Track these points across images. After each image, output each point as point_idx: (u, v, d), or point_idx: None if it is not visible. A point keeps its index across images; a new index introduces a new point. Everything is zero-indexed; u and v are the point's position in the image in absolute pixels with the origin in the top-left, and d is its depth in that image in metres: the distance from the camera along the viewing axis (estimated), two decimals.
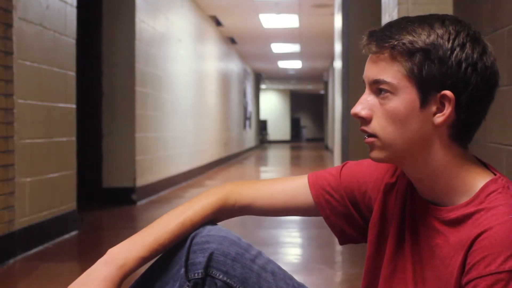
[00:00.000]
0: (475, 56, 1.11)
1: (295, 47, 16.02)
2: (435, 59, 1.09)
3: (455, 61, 1.09)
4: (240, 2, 10.59)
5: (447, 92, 1.10)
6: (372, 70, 1.15)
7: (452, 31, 1.11)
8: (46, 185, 4.33)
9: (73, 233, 4.73)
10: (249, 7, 10.80)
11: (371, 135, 1.16)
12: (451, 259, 1.11)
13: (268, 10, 11.10)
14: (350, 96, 6.07)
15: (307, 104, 36.80)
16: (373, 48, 1.13)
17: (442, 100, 1.11)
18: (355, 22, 5.99)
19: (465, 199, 1.13)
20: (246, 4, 10.61)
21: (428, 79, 1.10)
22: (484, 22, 2.77)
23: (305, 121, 37.09)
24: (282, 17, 11.61)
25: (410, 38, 1.10)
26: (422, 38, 1.10)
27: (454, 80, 1.10)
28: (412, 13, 3.18)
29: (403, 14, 3.25)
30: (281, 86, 32.02)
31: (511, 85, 2.40)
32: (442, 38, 1.10)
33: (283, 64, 20.58)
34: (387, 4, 3.66)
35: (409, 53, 1.10)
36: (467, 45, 1.11)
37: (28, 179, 4.06)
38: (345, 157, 6.23)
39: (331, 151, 15.84)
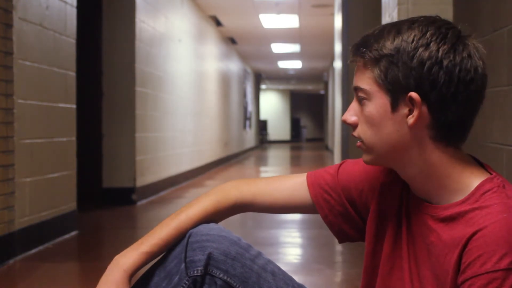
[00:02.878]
0: (439, 54, 1.10)
1: (295, 47, 16.02)
2: (399, 63, 1.12)
3: (417, 62, 1.11)
4: (240, 2, 10.59)
5: (412, 94, 1.12)
6: (355, 78, 1.21)
7: (417, 32, 1.13)
8: (46, 185, 4.33)
9: (73, 233, 4.73)
10: (249, 7, 10.80)
11: (358, 139, 1.21)
12: (445, 257, 1.11)
13: (268, 10, 11.10)
14: (350, 96, 6.07)
15: (307, 104, 36.80)
16: (351, 58, 1.20)
17: (411, 102, 1.13)
18: (355, 22, 5.99)
19: (459, 197, 1.14)
20: (246, 4, 10.60)
21: (393, 83, 1.13)
22: (484, 22, 2.78)
23: (305, 121, 37.08)
24: (282, 17, 11.61)
25: (376, 45, 1.15)
26: (386, 44, 1.14)
27: (418, 81, 1.11)
28: (412, 13, 3.18)
29: (403, 14, 3.25)
30: (281, 86, 32.02)
31: (511, 85, 2.40)
32: (406, 41, 1.13)
33: (283, 64, 20.58)
34: (387, 4, 3.66)
35: (376, 60, 1.15)
36: (432, 44, 1.11)
37: (28, 179, 4.06)
38: (345, 157, 6.23)
39: (331, 151, 15.84)
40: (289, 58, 18.84)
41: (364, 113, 1.18)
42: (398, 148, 1.16)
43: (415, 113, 1.12)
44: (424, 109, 1.12)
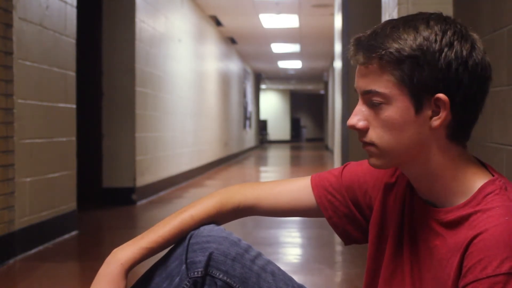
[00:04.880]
0: (464, 54, 1.09)
1: (295, 47, 16.01)
2: (424, 64, 1.08)
3: (444, 63, 1.08)
4: (240, 2, 10.59)
5: (441, 95, 1.09)
6: (363, 81, 1.13)
7: (438, 31, 1.09)
8: (46, 185, 4.33)
9: (73, 233, 4.73)
10: (249, 7, 10.79)
11: (368, 143, 1.16)
12: (448, 260, 1.10)
13: (268, 10, 11.10)
14: (350, 96, 6.07)
15: (307, 104, 36.79)
16: (361, 59, 1.12)
17: (437, 103, 1.10)
18: (355, 22, 5.99)
19: (462, 200, 1.12)
20: (246, 4, 10.60)
21: (419, 85, 1.09)
22: (484, 22, 2.78)
23: (305, 121, 37.08)
24: (282, 17, 11.60)
25: (397, 46, 1.09)
26: (408, 44, 1.08)
27: (446, 82, 1.08)
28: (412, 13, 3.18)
29: (403, 14, 3.24)
30: (281, 86, 32.02)
31: (511, 85, 2.40)
32: (428, 40, 1.08)
33: (283, 64, 20.58)
34: (387, 4, 3.66)
35: (398, 61, 1.09)
36: (455, 43, 1.09)
37: (28, 179, 4.06)
38: (345, 157, 6.23)
39: (331, 151, 15.84)
40: (289, 58, 18.83)
41: (381, 117, 1.12)
42: (415, 150, 1.13)
43: (442, 114, 1.10)
44: (448, 110, 1.10)
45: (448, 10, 3.25)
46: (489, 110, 2.62)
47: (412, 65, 1.08)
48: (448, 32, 1.09)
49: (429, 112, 1.10)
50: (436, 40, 1.08)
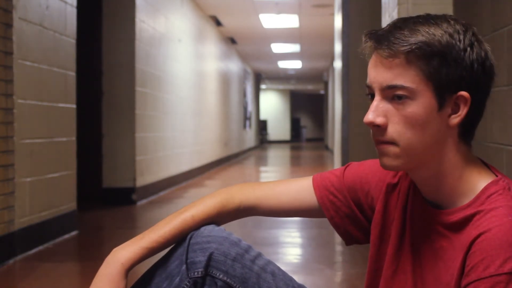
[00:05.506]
0: (483, 55, 1.11)
1: (295, 47, 16.01)
2: (451, 61, 1.09)
3: (468, 61, 1.09)
4: (240, 2, 10.59)
5: (464, 93, 1.10)
6: (385, 75, 1.10)
7: (460, 30, 1.10)
8: (46, 185, 4.33)
9: (73, 233, 4.73)
10: (249, 7, 10.79)
11: (387, 142, 1.12)
12: (453, 261, 1.10)
13: (268, 10, 11.10)
14: (350, 96, 6.07)
15: (307, 104, 36.79)
16: (385, 53, 1.10)
17: (457, 101, 1.11)
18: (355, 22, 5.99)
19: (466, 200, 1.13)
20: (246, 4, 10.60)
21: (445, 82, 1.09)
22: (484, 22, 2.77)
23: (305, 121, 37.08)
24: (282, 17, 11.60)
25: (426, 40, 1.08)
26: (437, 39, 1.08)
27: (468, 80, 1.10)
28: (412, 13, 3.17)
29: (403, 14, 3.24)
30: (281, 86, 32.02)
31: (511, 85, 2.40)
32: (453, 38, 1.09)
33: (283, 64, 20.58)
34: (387, 4, 3.66)
35: (427, 56, 1.08)
36: (475, 44, 1.11)
37: (28, 179, 4.06)
38: (345, 157, 6.23)
39: (331, 151, 15.84)
40: (289, 58, 18.83)
41: (404, 113, 1.10)
42: (432, 149, 1.12)
43: (462, 112, 1.10)
44: (468, 108, 1.11)
45: (448, 10, 3.25)
46: (489, 110, 2.62)
47: (440, 61, 1.08)
48: (468, 33, 1.11)
49: (449, 110, 1.11)
50: (460, 39, 1.09)
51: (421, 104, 1.09)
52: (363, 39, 1.14)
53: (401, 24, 1.11)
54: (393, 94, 1.10)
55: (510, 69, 2.40)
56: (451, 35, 1.09)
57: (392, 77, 1.10)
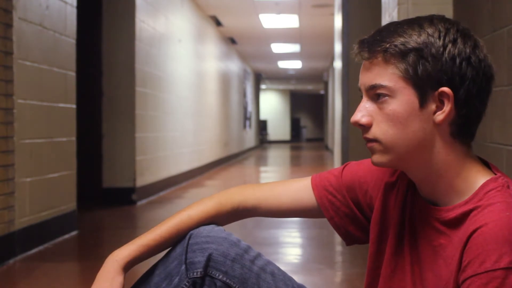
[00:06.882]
0: (467, 50, 1.11)
1: (295, 47, 16.01)
2: (429, 57, 1.10)
3: (448, 57, 1.10)
4: (240, 2, 10.59)
5: (445, 89, 1.10)
6: (367, 77, 1.15)
7: (441, 28, 1.11)
8: (46, 185, 4.33)
9: (73, 233, 4.73)
10: (249, 7, 10.79)
11: (372, 140, 1.15)
12: (452, 258, 1.10)
13: (268, 10, 11.10)
14: (350, 96, 6.07)
15: (307, 104, 36.79)
16: (366, 55, 1.14)
17: (441, 98, 1.11)
18: (355, 22, 5.99)
19: (464, 198, 1.13)
20: (246, 4, 10.60)
21: (424, 77, 1.10)
22: (484, 22, 2.77)
23: (305, 121, 37.08)
24: (282, 17, 11.60)
25: (402, 39, 1.11)
26: (413, 38, 1.11)
27: (449, 75, 1.10)
28: (412, 14, 3.18)
29: (403, 14, 3.25)
30: (281, 86, 32.02)
31: (511, 85, 2.40)
32: (433, 36, 1.11)
33: (283, 64, 20.58)
34: (387, 4, 3.66)
35: (402, 54, 1.11)
36: (458, 40, 1.11)
37: (28, 179, 4.06)
38: (345, 157, 6.23)
39: (331, 151, 15.84)
40: (289, 58, 18.83)
41: (386, 111, 1.13)
42: (419, 147, 1.13)
43: (446, 108, 1.11)
44: (452, 105, 1.11)
45: (448, 10, 3.25)
46: (489, 110, 2.61)
47: (416, 57, 1.10)
48: (452, 30, 1.12)
49: (433, 107, 1.11)
50: (440, 36, 1.11)
51: (401, 102, 1.12)
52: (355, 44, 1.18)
53: (383, 27, 1.16)
54: (375, 94, 1.14)
55: (510, 69, 2.40)
56: (430, 34, 1.11)
57: (372, 77, 1.14)
